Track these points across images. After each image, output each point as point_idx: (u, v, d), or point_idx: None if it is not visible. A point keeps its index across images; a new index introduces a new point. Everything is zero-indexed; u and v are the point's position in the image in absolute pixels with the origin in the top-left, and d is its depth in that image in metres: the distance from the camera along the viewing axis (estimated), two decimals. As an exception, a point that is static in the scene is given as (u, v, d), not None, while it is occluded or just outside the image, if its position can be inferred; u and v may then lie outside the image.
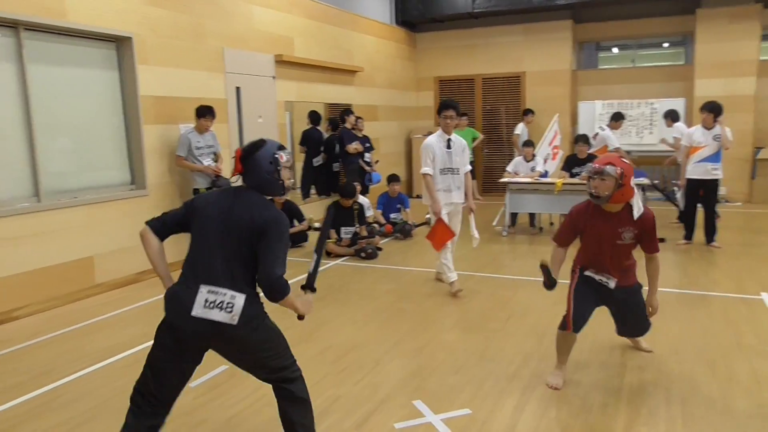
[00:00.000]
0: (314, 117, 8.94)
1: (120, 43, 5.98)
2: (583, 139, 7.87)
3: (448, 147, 5.35)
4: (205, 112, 6.27)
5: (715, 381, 3.49)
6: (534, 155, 8.47)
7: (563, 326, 3.48)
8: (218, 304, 2.34)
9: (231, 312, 2.35)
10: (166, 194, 6.34)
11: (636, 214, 3.31)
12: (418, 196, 11.94)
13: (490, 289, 5.56)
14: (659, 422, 3.03)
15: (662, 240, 7.21)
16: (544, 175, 8.44)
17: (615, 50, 12.78)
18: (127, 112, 6.10)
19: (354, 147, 8.52)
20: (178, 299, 2.39)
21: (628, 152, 10.94)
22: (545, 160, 9.14)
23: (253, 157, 2.48)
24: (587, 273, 3.50)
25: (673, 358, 3.82)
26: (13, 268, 4.94)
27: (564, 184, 7.59)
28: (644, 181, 7.54)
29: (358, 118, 9.15)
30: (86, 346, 4.35)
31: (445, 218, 5.29)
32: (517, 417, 3.12)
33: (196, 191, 6.29)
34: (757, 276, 5.71)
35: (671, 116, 8.60)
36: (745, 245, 7.06)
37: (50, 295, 5.21)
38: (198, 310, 2.34)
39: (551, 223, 8.58)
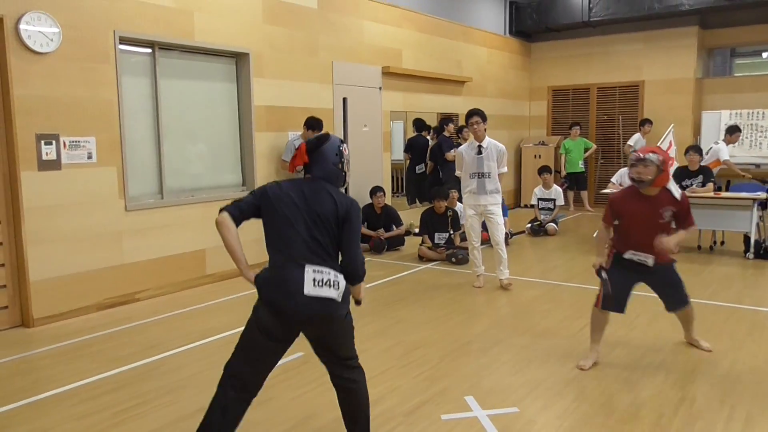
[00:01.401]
0: (419, 125, 9.21)
1: (239, 59, 6.64)
2: (694, 149, 7.45)
3: (479, 152, 5.75)
4: (314, 125, 6.73)
5: (791, 404, 3.29)
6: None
7: (597, 303, 3.87)
8: (326, 282, 2.44)
9: (338, 289, 2.47)
10: (272, 196, 6.91)
11: (677, 195, 3.70)
12: (526, 206, 11.84)
13: (573, 298, 5.50)
14: (715, 439, 2.94)
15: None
16: (653, 187, 8.08)
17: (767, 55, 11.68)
18: (241, 121, 6.74)
19: (452, 155, 8.69)
20: (286, 281, 2.44)
21: (758, 165, 10.19)
22: (657, 172, 8.75)
23: (321, 149, 2.60)
24: (626, 255, 3.79)
25: (748, 378, 3.63)
26: (139, 255, 5.66)
27: (671, 196, 7.24)
28: (763, 195, 7.00)
29: (463, 127, 9.31)
30: (190, 326, 4.92)
31: (472, 217, 5.94)
32: (564, 419, 3.16)
33: (298, 194, 6.81)
34: None
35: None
36: None
37: (167, 281, 5.90)
38: (309, 289, 2.42)
39: (659, 238, 8.17)
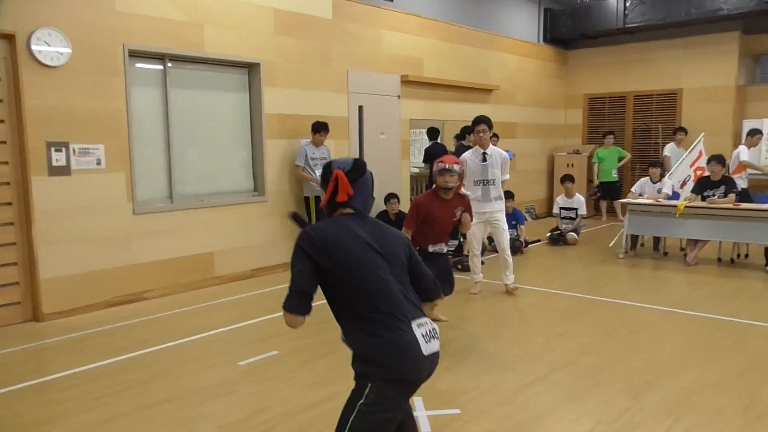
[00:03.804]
0: (433, 133, 9.24)
1: (250, 69, 6.91)
2: (717, 159, 7.21)
3: (484, 160, 5.77)
4: (319, 128, 6.98)
5: (741, 417, 3.17)
6: (662, 176, 7.93)
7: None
8: (431, 333, 2.13)
9: (438, 338, 2.17)
10: (281, 201, 7.14)
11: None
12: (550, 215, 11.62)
13: (564, 306, 5.42)
14: None
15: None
16: (675, 196, 7.85)
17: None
18: (253, 129, 7.00)
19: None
20: (407, 347, 2.04)
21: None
22: (684, 182, 8.49)
23: (364, 178, 2.30)
24: (430, 249, 4.50)
25: (708, 391, 3.51)
26: (147, 256, 5.97)
27: (687, 207, 7.03)
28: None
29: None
30: (185, 324, 5.15)
31: (476, 225, 5.73)
32: (500, 423, 3.17)
33: (306, 199, 7.03)
34: None
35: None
36: None
37: (175, 282, 6.18)
38: (425, 348, 2.07)
39: (681, 249, 7.91)
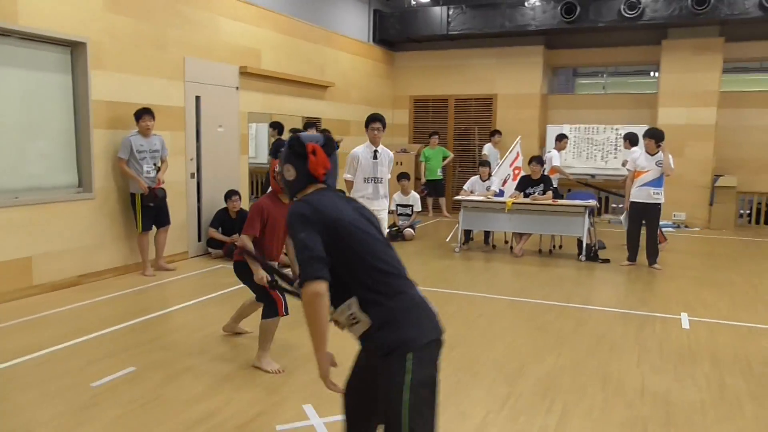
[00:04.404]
0: (278, 127, 8.98)
1: (75, 48, 6.09)
2: (536, 160, 8.01)
3: (375, 157, 5.70)
4: (141, 114, 6.34)
5: (602, 392, 3.56)
6: (490, 174, 8.60)
7: (275, 314, 3.94)
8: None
9: None
10: (111, 198, 6.42)
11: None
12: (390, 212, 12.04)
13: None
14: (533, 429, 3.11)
15: (606, 261, 7.38)
16: (500, 194, 8.56)
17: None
18: (78, 116, 6.19)
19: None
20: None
21: (593, 176, 11.16)
22: (505, 181, 9.29)
23: (335, 155, 2.25)
24: (270, 262, 3.95)
25: (569, 372, 3.90)
26: (-54, 264, 4.98)
27: (514, 203, 7.71)
28: (593, 203, 7.66)
29: (324, 131, 9.33)
30: (3, 345, 4.37)
31: None
32: (398, 422, 3.18)
33: (132, 196, 6.43)
34: (685, 297, 5.84)
35: (630, 139, 8.75)
36: (685, 268, 7.18)
37: (-17, 293, 5.25)
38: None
39: (506, 242, 8.66)
